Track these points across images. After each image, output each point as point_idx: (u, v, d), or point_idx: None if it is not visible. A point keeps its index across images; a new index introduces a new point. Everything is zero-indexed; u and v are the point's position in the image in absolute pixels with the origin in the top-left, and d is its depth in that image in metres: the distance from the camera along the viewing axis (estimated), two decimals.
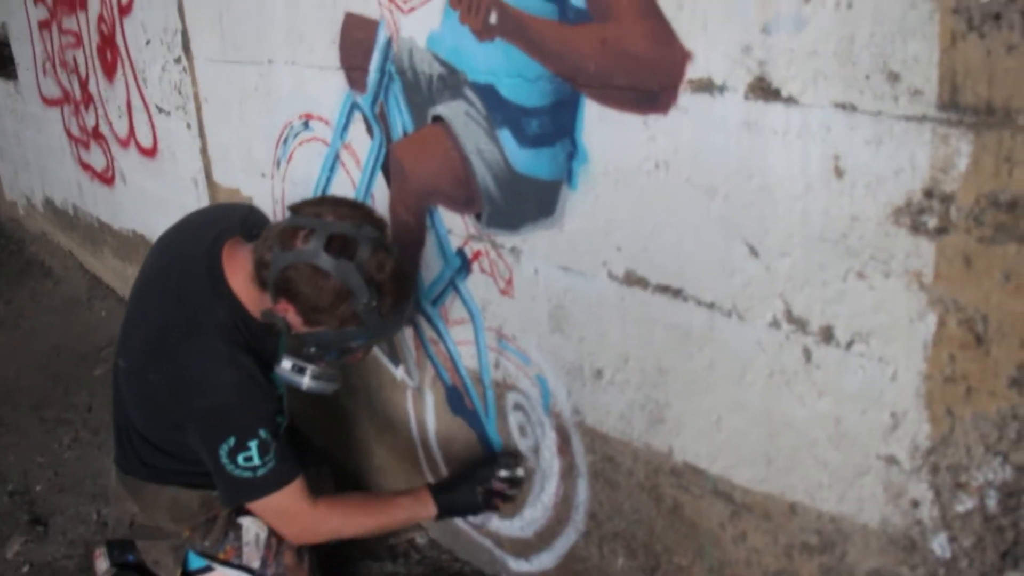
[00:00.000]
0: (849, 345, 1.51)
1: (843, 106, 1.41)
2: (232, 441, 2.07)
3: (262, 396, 2.14)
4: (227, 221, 2.31)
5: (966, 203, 1.30)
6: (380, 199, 2.57)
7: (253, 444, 2.08)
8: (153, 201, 4.46)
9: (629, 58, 1.69)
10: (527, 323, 2.20)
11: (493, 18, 1.95)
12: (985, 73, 1.23)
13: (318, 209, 2.03)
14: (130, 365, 2.25)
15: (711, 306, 1.73)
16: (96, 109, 4.97)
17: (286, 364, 2.21)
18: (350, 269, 1.95)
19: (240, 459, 2.08)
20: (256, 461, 2.09)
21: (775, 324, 1.62)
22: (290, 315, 2.06)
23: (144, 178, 4.51)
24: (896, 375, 1.46)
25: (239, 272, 2.16)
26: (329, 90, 2.65)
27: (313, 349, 2.16)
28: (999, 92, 1.22)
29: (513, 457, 2.35)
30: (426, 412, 2.72)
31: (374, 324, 2.06)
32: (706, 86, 1.59)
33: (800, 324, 1.58)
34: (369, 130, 2.52)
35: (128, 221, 4.96)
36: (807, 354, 1.58)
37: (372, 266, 1.98)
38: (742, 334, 1.69)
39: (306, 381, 2.20)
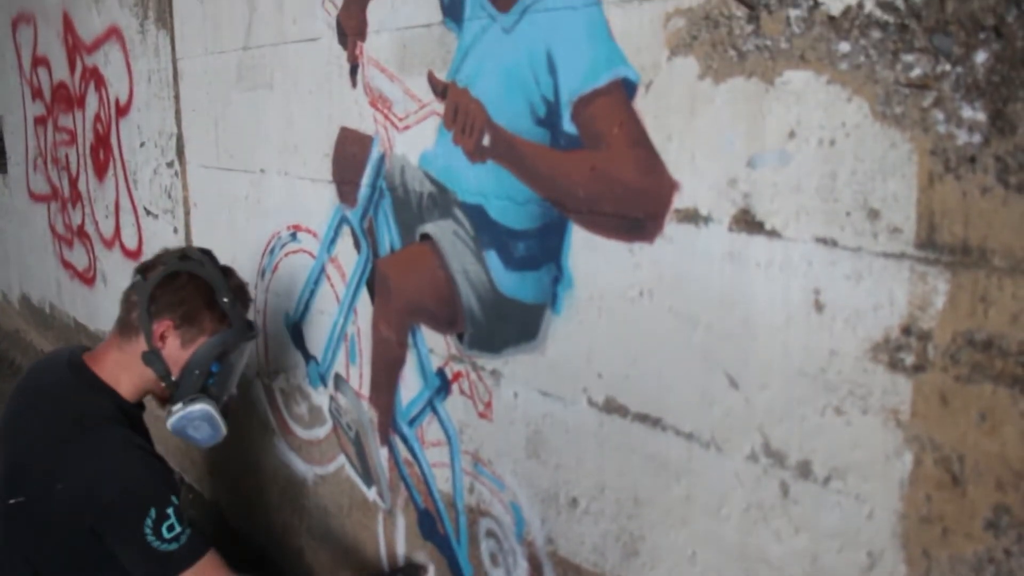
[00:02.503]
0: (826, 481, 1.54)
1: (824, 241, 1.47)
2: (153, 514, 2.12)
3: (164, 466, 2.26)
4: (69, 349, 2.49)
5: (943, 341, 1.34)
6: (363, 314, 2.61)
7: (171, 511, 2.14)
8: None
9: (618, 186, 1.76)
10: (504, 447, 2.22)
11: (486, 140, 2.04)
12: (961, 214, 1.29)
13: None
14: (27, 495, 2.21)
15: (690, 436, 1.76)
16: (83, 208, 5.05)
17: (176, 406, 2.39)
18: (206, 265, 2.38)
19: (164, 530, 2.13)
20: (178, 528, 2.14)
21: (753, 457, 1.65)
22: (169, 340, 2.33)
23: (125, 280, 4.50)
24: (873, 513, 1.48)
25: (105, 362, 2.36)
26: (319, 202, 2.73)
27: (196, 372, 2.35)
28: (975, 233, 1.28)
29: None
30: (396, 536, 2.72)
31: (240, 326, 2.40)
32: (692, 216, 1.66)
33: (778, 458, 1.61)
34: (357, 244, 2.59)
35: (106, 323, 4.96)
36: (784, 489, 1.61)
37: (219, 267, 2.42)
38: (720, 466, 1.71)
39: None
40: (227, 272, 2.44)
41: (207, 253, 2.47)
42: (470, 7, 2.05)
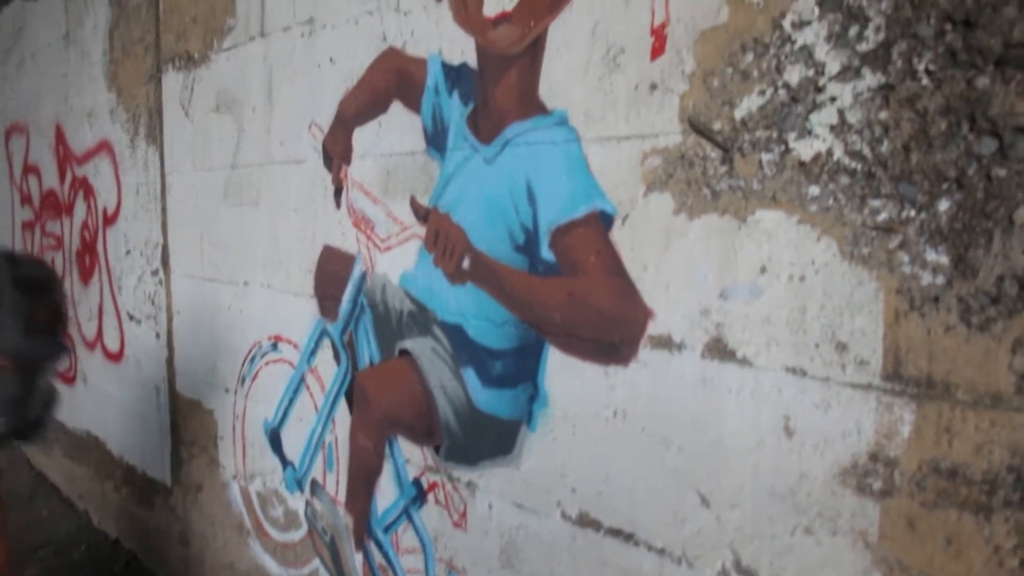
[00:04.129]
0: None
1: (794, 371, 1.45)
2: None
3: None
4: None
5: (909, 468, 1.32)
6: (341, 423, 2.55)
7: None
8: (113, 405, 4.39)
9: (594, 312, 1.74)
10: (478, 557, 2.15)
11: (466, 264, 2.02)
12: (926, 349, 1.28)
13: None
14: None
15: (662, 552, 1.71)
16: (67, 310, 4.95)
17: None
18: None
19: None
20: None
21: (724, 573, 1.60)
22: None
23: (106, 381, 4.46)
24: None
25: None
26: (301, 315, 2.68)
27: None
28: (938, 368, 1.27)
29: None
30: None
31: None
32: (666, 343, 1.63)
33: (748, 575, 1.56)
34: (336, 357, 2.54)
35: (84, 422, 4.85)
36: None
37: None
38: None
39: None
40: (15, 261, 1.96)
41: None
42: (453, 138, 2.05)
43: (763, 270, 1.47)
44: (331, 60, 2.49)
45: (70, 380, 4.99)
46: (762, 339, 1.49)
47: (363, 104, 2.35)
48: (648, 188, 1.64)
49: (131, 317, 4.06)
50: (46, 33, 4.99)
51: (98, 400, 4.61)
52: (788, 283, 1.44)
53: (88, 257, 4.59)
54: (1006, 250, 1.20)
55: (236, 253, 3.03)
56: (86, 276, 4.64)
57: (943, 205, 1.25)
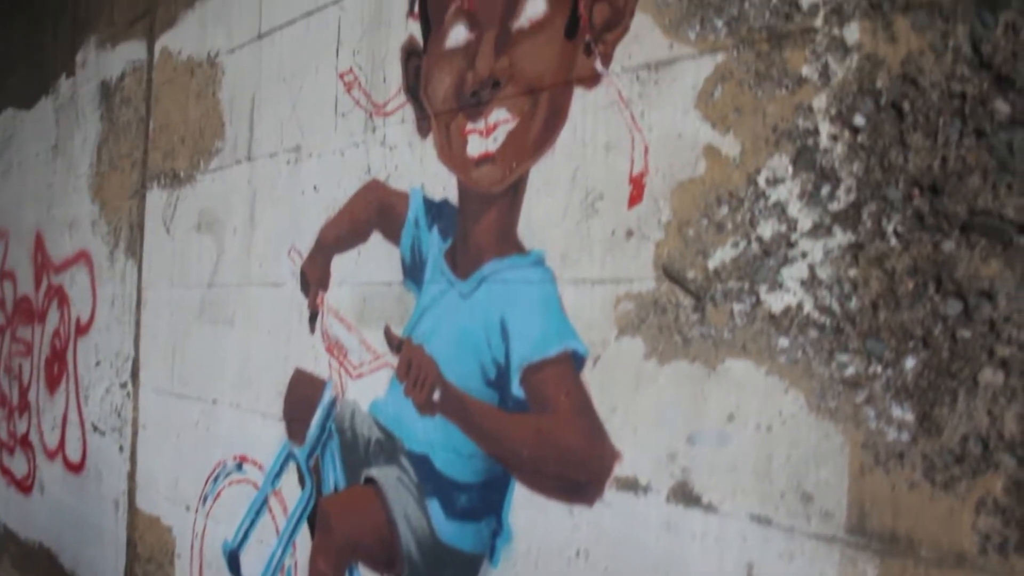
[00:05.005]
0: None
1: (759, 519, 1.43)
2: None
3: None
4: None
5: None
6: (302, 547, 2.48)
7: None
8: (69, 517, 4.25)
9: (561, 450, 1.72)
10: None
11: (436, 396, 2.00)
12: (890, 505, 1.27)
13: None
14: None
15: None
16: (31, 417, 4.85)
17: None
18: None
19: None
20: None
21: None
22: None
23: (65, 492, 4.33)
24: None
25: None
26: (268, 437, 2.64)
27: None
28: (902, 524, 1.26)
29: None
30: None
31: None
32: (631, 485, 1.61)
33: None
34: (301, 481, 2.48)
35: (37, 533, 4.68)
36: None
37: None
38: None
39: None
40: None
41: None
42: (431, 271, 2.06)
43: (731, 418, 1.47)
44: (315, 188, 2.51)
45: (27, 489, 4.84)
46: (728, 486, 1.47)
47: (344, 232, 2.37)
48: (620, 332, 1.65)
49: (95, 428, 3.98)
50: (35, 143, 5.02)
51: (54, 511, 4.47)
52: (755, 432, 1.43)
53: (57, 366, 4.52)
54: (970, 410, 1.20)
55: (207, 370, 2.99)
56: (53, 385, 4.56)
57: (909, 363, 1.26)
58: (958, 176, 1.22)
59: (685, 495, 1.53)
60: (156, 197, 3.51)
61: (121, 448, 3.68)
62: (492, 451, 1.87)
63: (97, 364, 3.96)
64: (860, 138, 1.32)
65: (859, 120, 1.33)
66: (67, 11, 4.70)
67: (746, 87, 1.47)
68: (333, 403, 2.35)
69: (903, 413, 1.26)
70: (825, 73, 1.37)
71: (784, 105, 1.42)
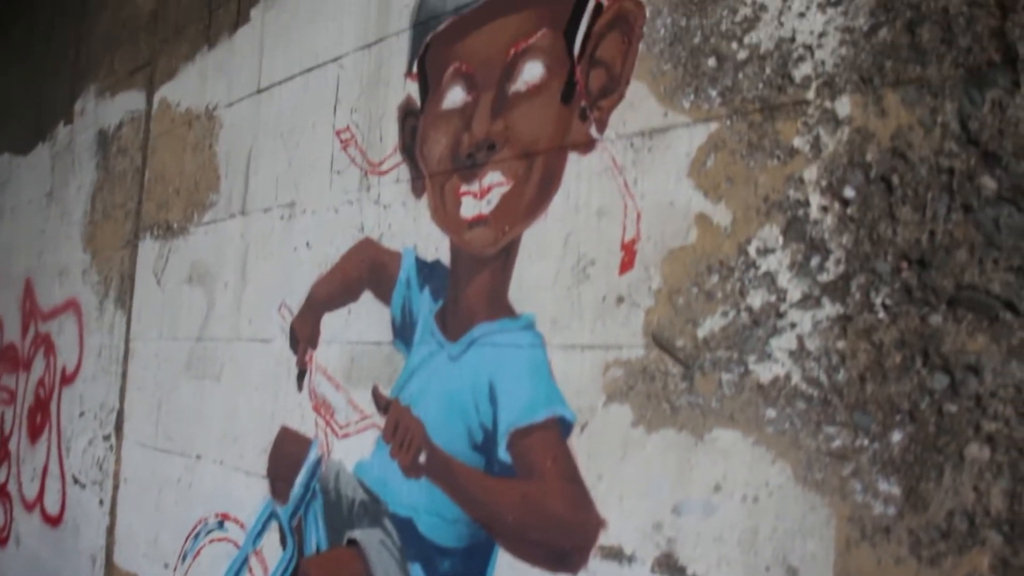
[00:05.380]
0: None
1: None
2: None
3: None
4: None
5: None
6: None
7: None
8: (44, 571, 4.21)
9: (546, 517, 1.72)
10: None
11: (422, 458, 2.00)
12: None
13: None
14: None
15: None
16: (10, 467, 4.82)
17: None
18: None
19: None
20: None
21: None
22: None
23: (41, 545, 4.29)
24: None
25: None
26: (251, 495, 2.62)
27: None
28: None
29: None
30: None
31: None
32: (616, 554, 1.61)
33: None
34: (283, 541, 2.47)
35: None
36: None
37: None
38: None
39: None
40: None
41: None
42: (421, 332, 2.07)
43: (717, 488, 1.47)
44: (307, 244, 2.54)
45: (2, 541, 4.80)
46: (713, 557, 1.47)
47: (335, 290, 2.39)
48: (609, 398, 1.66)
49: (76, 481, 3.95)
50: (30, 189, 5.06)
51: (29, 565, 4.42)
52: (742, 503, 1.44)
53: (40, 415, 4.50)
54: (956, 486, 1.21)
55: (192, 425, 2.99)
56: (35, 435, 4.54)
57: (896, 436, 1.27)
58: (946, 250, 1.24)
59: (670, 566, 1.53)
60: (148, 248, 3.53)
61: (101, 502, 3.65)
62: (476, 516, 1.86)
63: (81, 415, 3.95)
64: (850, 210, 1.35)
65: (849, 192, 1.35)
66: (68, 59, 4.77)
67: (738, 157, 1.50)
68: (318, 462, 2.35)
69: (889, 487, 1.27)
70: (816, 145, 1.40)
71: (776, 176, 1.45)
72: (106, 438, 3.65)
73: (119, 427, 3.54)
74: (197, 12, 3.40)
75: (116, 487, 3.53)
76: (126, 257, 3.73)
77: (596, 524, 1.64)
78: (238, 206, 2.92)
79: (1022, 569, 1.14)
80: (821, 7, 1.42)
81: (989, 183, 1.21)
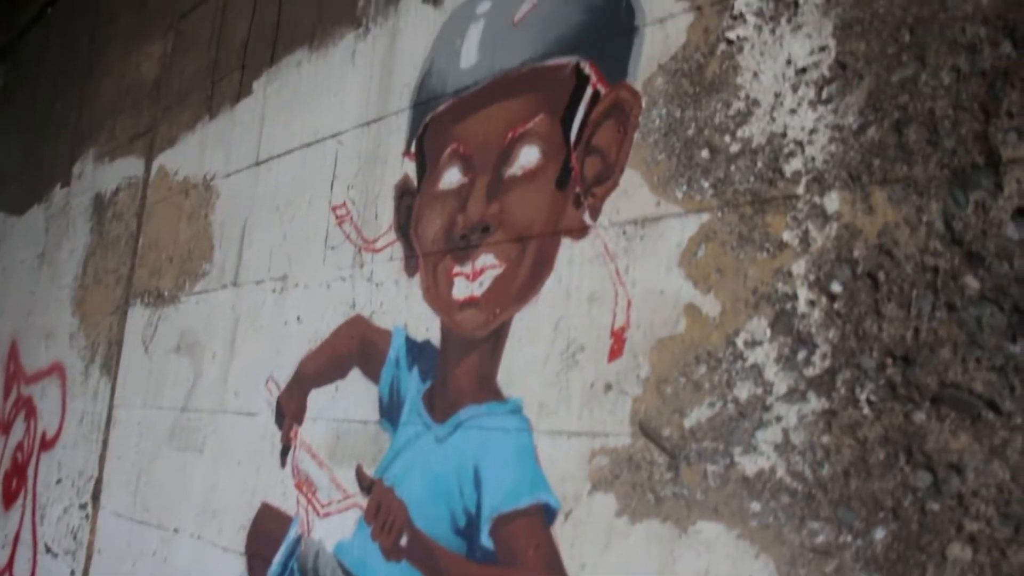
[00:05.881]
0: None
1: None
2: None
3: None
4: None
5: None
6: None
7: None
8: None
9: None
10: None
11: (404, 541, 2.00)
12: None
13: None
14: None
15: None
16: None
17: None
18: None
19: None
20: None
21: None
22: None
23: None
24: None
25: None
26: (227, 572, 2.60)
27: None
28: None
29: None
30: None
31: None
32: None
33: None
34: None
35: None
36: None
37: None
38: None
39: None
40: None
41: None
42: (407, 412, 2.09)
43: None
44: (298, 319, 2.56)
45: None
46: None
47: (323, 366, 2.40)
48: (594, 486, 1.66)
49: (48, 550, 3.91)
50: (22, 250, 5.10)
51: None
52: None
53: (16, 480, 4.47)
54: None
55: (171, 498, 2.97)
56: (9, 500, 4.50)
57: (879, 534, 1.28)
58: (930, 348, 1.27)
59: None
60: (138, 315, 3.55)
61: (72, 573, 3.61)
62: None
63: (58, 482, 3.92)
64: (837, 305, 1.38)
65: (836, 287, 1.38)
66: (70, 122, 4.84)
67: (728, 248, 1.54)
68: (298, 541, 2.34)
69: None
70: (805, 239, 1.44)
71: (764, 268, 1.48)
72: (82, 507, 3.63)
73: (96, 496, 3.52)
74: (200, 82, 3.48)
75: (89, 557, 3.50)
76: (115, 323, 3.74)
77: None
78: (231, 277, 2.95)
79: None
80: (812, 104, 1.47)
81: (972, 283, 1.24)
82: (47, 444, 4.19)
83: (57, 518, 3.88)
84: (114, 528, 3.35)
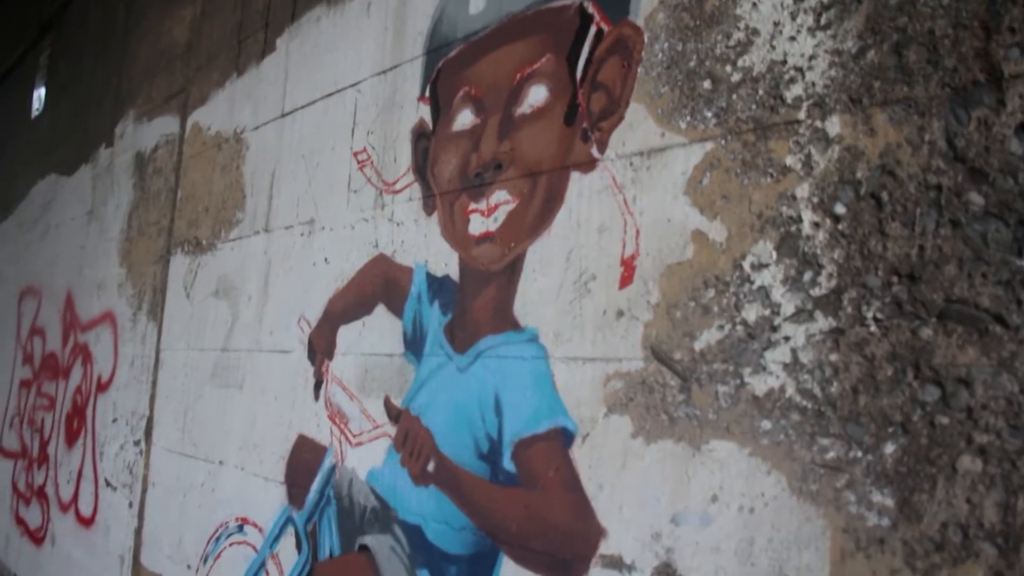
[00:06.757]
0: None
1: None
2: None
3: None
4: None
5: None
6: None
7: None
8: (77, 570, 4.19)
9: (548, 526, 1.68)
10: None
11: (431, 467, 1.97)
12: None
13: None
14: None
15: None
16: (48, 470, 4.82)
17: None
18: None
19: None
20: None
21: None
22: None
23: (74, 545, 4.27)
24: None
25: None
26: (269, 500, 2.59)
27: None
28: None
29: None
30: None
31: None
32: (616, 563, 1.56)
33: None
34: (298, 545, 2.43)
35: None
36: None
37: None
38: None
39: None
40: None
41: None
42: (430, 345, 2.04)
43: (714, 499, 1.42)
44: (326, 260, 2.51)
45: (39, 540, 4.78)
46: (710, 567, 1.42)
47: (350, 304, 2.36)
48: (609, 409, 1.61)
49: (108, 484, 3.93)
50: (72, 208, 5.08)
51: (62, 564, 4.40)
52: (738, 513, 1.39)
53: (77, 421, 4.50)
54: (949, 497, 1.16)
55: (215, 433, 2.96)
56: (71, 439, 4.53)
57: (888, 448, 1.22)
58: (935, 265, 1.20)
59: (669, 575, 1.48)
60: (179, 263, 3.52)
61: (131, 504, 3.63)
62: (482, 524, 1.82)
63: (114, 421, 3.93)
64: (841, 226, 1.31)
65: (840, 209, 1.31)
66: (111, 87, 4.79)
67: (733, 175, 1.47)
68: (333, 470, 2.31)
69: (883, 499, 1.22)
70: (808, 163, 1.36)
71: (769, 193, 1.41)
72: (136, 443, 3.63)
73: (148, 433, 3.52)
74: (227, 42, 3.40)
75: (144, 490, 3.51)
76: (158, 272, 3.72)
77: (597, 533, 1.59)
78: (262, 223, 2.91)
79: None
80: (811, 31, 1.39)
81: (976, 199, 1.16)
82: (102, 387, 4.20)
83: (115, 454, 3.89)
84: (165, 462, 3.36)
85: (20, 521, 5.17)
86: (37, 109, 6.26)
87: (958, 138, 1.19)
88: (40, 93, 6.23)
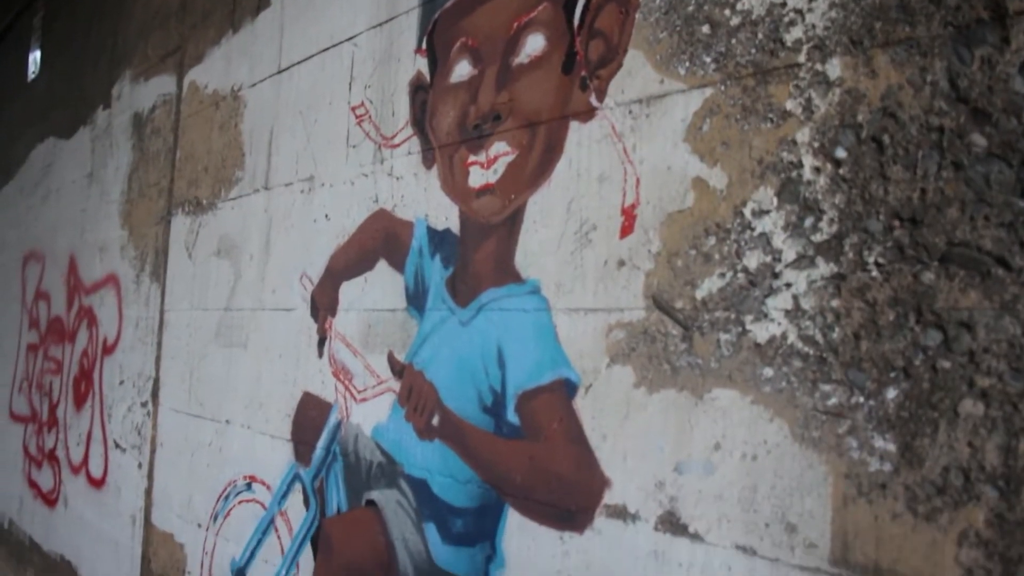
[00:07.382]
0: None
1: (744, 549, 1.39)
2: None
3: None
4: None
5: None
6: (305, 568, 2.45)
7: None
8: (89, 531, 4.24)
9: (553, 477, 1.69)
10: None
11: (435, 421, 1.98)
12: (873, 536, 1.23)
13: None
14: None
15: None
16: (58, 433, 4.86)
17: None
18: None
19: None
20: None
21: None
22: None
23: (86, 506, 4.32)
24: None
25: None
26: (276, 458, 2.61)
27: None
28: (885, 555, 1.22)
29: None
30: None
31: None
32: (620, 513, 1.58)
33: None
34: (306, 502, 2.46)
35: (59, 545, 4.68)
36: None
37: None
38: None
39: None
40: None
41: None
42: (432, 299, 2.04)
43: (717, 447, 1.43)
44: (326, 216, 2.51)
45: (52, 502, 4.84)
46: (714, 515, 1.43)
47: (352, 260, 2.36)
48: (611, 360, 1.62)
49: (117, 445, 3.97)
50: (72, 171, 5.07)
51: (75, 525, 4.46)
52: (741, 461, 1.40)
53: (84, 384, 4.53)
54: (951, 441, 1.16)
55: (221, 392, 2.98)
56: (80, 402, 4.57)
57: (890, 393, 1.22)
58: (937, 208, 1.19)
59: (672, 524, 1.50)
60: (180, 223, 3.52)
61: (140, 465, 3.67)
62: (486, 477, 1.84)
63: (121, 383, 3.96)
64: (842, 171, 1.30)
65: (841, 153, 1.30)
66: (107, 47, 4.76)
67: (733, 121, 1.45)
68: (339, 426, 2.33)
69: (885, 444, 1.22)
70: (808, 107, 1.35)
71: (769, 138, 1.40)
72: (143, 405, 3.66)
73: (155, 394, 3.55)
74: None
75: (153, 451, 3.54)
76: (160, 232, 3.72)
77: (601, 484, 1.61)
78: (262, 181, 2.90)
79: (1017, 524, 1.10)
80: None
81: (979, 140, 1.15)
82: (108, 349, 4.22)
83: (122, 416, 3.92)
84: (173, 423, 3.38)
85: (33, 484, 5.23)
86: (33, 72, 6.22)
87: (960, 78, 1.18)
88: (35, 56, 6.19)
